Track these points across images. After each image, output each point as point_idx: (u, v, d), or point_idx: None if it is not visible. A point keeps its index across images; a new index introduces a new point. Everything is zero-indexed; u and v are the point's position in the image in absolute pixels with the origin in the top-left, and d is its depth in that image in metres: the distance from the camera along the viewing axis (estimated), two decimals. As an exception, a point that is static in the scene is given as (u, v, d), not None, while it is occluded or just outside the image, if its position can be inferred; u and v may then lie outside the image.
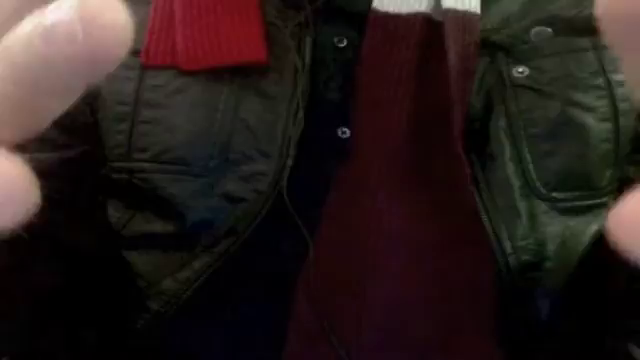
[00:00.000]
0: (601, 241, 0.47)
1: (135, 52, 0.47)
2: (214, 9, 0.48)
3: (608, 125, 0.47)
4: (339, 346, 0.47)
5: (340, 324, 0.47)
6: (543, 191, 0.47)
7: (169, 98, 0.47)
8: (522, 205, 0.46)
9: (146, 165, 0.47)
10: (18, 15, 0.15)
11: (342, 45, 0.49)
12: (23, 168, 0.16)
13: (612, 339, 0.50)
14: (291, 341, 0.47)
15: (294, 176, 0.46)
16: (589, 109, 0.47)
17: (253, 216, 0.46)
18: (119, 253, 0.49)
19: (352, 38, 0.49)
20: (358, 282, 0.48)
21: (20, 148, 0.17)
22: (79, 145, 0.48)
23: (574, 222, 0.47)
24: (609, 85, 0.47)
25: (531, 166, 0.46)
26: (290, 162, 0.46)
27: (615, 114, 0.47)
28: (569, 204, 0.47)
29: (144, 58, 0.47)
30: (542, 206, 0.47)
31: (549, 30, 0.48)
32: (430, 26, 0.49)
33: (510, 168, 0.47)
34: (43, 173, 0.50)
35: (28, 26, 0.15)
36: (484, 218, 0.46)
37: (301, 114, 0.46)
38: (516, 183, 0.46)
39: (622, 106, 0.47)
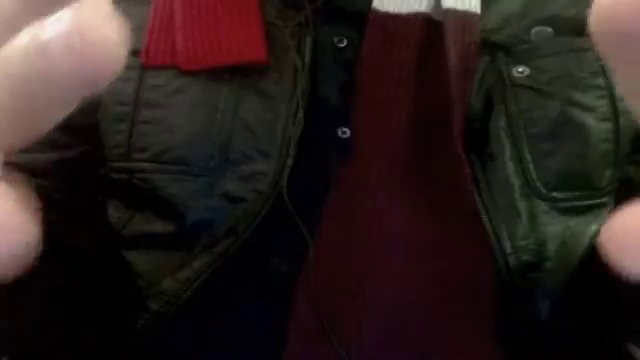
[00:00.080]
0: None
1: (135, 52, 0.47)
2: (214, 9, 0.48)
3: (608, 125, 0.47)
4: (339, 346, 0.47)
5: (340, 324, 0.47)
6: (543, 191, 0.47)
7: (169, 98, 0.47)
8: (522, 205, 0.46)
9: (146, 165, 0.47)
10: (18, 17, 0.15)
11: (342, 45, 0.49)
12: (17, 206, 0.16)
13: (612, 339, 0.50)
14: (291, 341, 0.47)
15: (294, 176, 0.46)
16: (589, 109, 0.47)
17: (253, 216, 0.46)
18: (119, 253, 0.49)
19: (352, 38, 0.49)
20: (358, 282, 0.48)
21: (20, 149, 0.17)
22: (79, 145, 0.48)
23: (574, 222, 0.47)
24: (609, 85, 0.47)
25: (531, 166, 0.46)
26: (290, 162, 0.46)
27: (615, 114, 0.47)
28: (569, 204, 0.47)
29: (144, 58, 0.47)
30: (542, 206, 0.47)
31: (549, 30, 0.48)
32: (430, 26, 0.49)
33: (510, 168, 0.47)
34: (43, 173, 0.50)
35: (25, 38, 0.15)
36: (484, 218, 0.46)
37: (301, 114, 0.46)
38: (516, 183, 0.46)
39: (622, 106, 0.47)
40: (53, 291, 0.47)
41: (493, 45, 0.48)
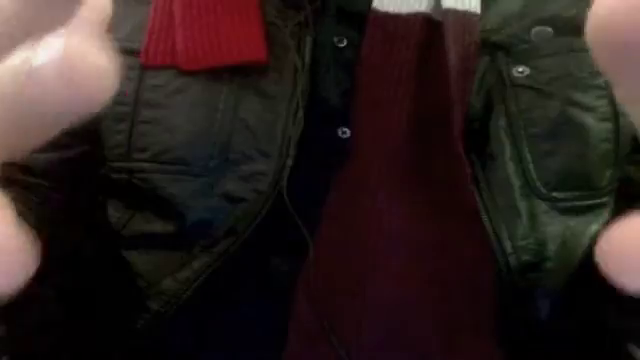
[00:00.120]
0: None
1: (135, 52, 0.47)
2: (214, 9, 0.48)
3: (608, 125, 0.47)
4: (339, 346, 0.47)
5: (340, 324, 0.47)
6: (543, 191, 0.47)
7: (169, 98, 0.47)
8: (522, 205, 0.46)
9: (146, 165, 0.47)
10: (18, 18, 0.15)
11: (342, 45, 0.49)
12: (15, 229, 0.16)
13: (612, 339, 0.50)
14: (291, 341, 0.47)
15: (294, 176, 0.46)
16: (589, 109, 0.47)
17: (253, 216, 0.46)
18: (119, 253, 0.49)
19: (352, 38, 0.49)
20: (358, 282, 0.48)
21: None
22: (79, 145, 0.48)
23: (574, 222, 0.47)
24: (609, 85, 0.47)
25: (531, 166, 0.46)
26: (290, 162, 0.46)
27: (615, 114, 0.47)
28: (569, 204, 0.47)
29: (144, 58, 0.47)
30: (542, 206, 0.46)
31: (549, 30, 0.48)
32: (430, 26, 0.49)
33: (510, 168, 0.46)
34: (43, 173, 0.50)
35: (17, 60, 0.15)
36: (484, 218, 0.46)
37: (301, 114, 0.46)
38: (516, 183, 0.46)
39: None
40: (53, 291, 0.47)
41: (493, 45, 0.48)
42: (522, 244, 0.46)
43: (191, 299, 0.46)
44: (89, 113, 0.15)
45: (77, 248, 0.48)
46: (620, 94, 0.15)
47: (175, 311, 0.47)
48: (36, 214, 0.45)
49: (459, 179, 0.46)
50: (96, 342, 0.49)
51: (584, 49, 0.49)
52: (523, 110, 0.47)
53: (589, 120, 0.47)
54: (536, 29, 0.48)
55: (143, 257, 0.49)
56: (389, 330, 0.48)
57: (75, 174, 0.48)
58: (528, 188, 0.46)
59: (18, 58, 0.15)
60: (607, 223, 0.47)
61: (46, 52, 0.15)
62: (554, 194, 0.47)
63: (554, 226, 0.46)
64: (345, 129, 0.48)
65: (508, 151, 0.47)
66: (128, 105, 0.47)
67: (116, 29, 0.48)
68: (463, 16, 0.48)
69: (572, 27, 0.48)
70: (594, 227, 0.47)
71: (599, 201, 0.48)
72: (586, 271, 0.47)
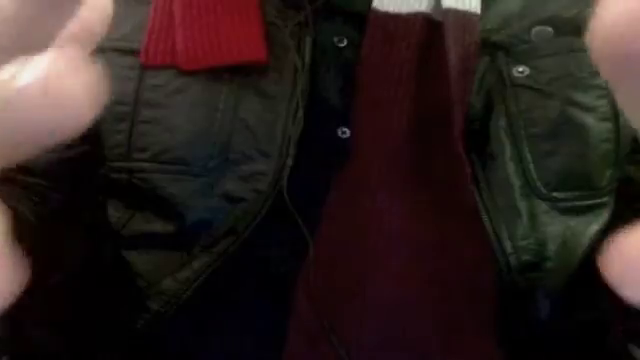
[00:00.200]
0: (602, 241, 0.47)
1: (135, 52, 0.47)
2: (214, 9, 0.48)
3: (608, 125, 0.47)
4: (339, 346, 0.47)
5: (340, 324, 0.47)
6: (543, 191, 0.47)
7: (169, 98, 0.47)
8: (522, 205, 0.46)
9: (146, 165, 0.47)
10: (18, 18, 0.15)
11: (342, 45, 0.49)
12: (6, 245, 0.16)
13: (612, 339, 0.50)
14: (291, 341, 0.47)
15: (294, 176, 0.46)
16: (589, 109, 0.47)
17: (253, 216, 0.46)
18: (119, 253, 0.49)
19: (352, 38, 0.48)
20: (358, 282, 0.48)
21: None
22: (79, 145, 0.48)
23: (574, 222, 0.47)
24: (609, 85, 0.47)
25: (531, 166, 0.46)
26: (290, 162, 0.46)
27: (615, 114, 0.47)
28: (569, 204, 0.47)
29: (144, 58, 0.47)
30: (542, 206, 0.47)
31: (549, 30, 0.48)
32: (430, 26, 0.49)
33: (510, 168, 0.47)
34: (43, 173, 0.50)
35: (5, 75, 0.15)
36: (484, 218, 0.46)
37: (301, 114, 0.46)
38: (516, 183, 0.46)
39: None
40: (53, 291, 0.47)
41: (493, 45, 0.48)
42: (522, 244, 0.46)
43: (191, 299, 0.46)
44: (71, 135, 0.15)
45: (77, 248, 0.48)
46: (621, 100, 0.15)
47: (175, 311, 0.47)
48: (36, 214, 0.45)
49: (459, 179, 0.46)
50: (96, 342, 0.49)
51: (584, 49, 0.49)
52: (523, 110, 0.47)
53: (589, 120, 0.47)
54: (536, 29, 0.48)
55: (143, 257, 0.49)
56: (389, 330, 0.48)
57: (75, 174, 0.48)
58: (528, 188, 0.46)
59: (7, 73, 0.15)
60: (607, 223, 0.48)
61: (32, 71, 0.15)
62: (554, 194, 0.47)
63: (554, 226, 0.46)
64: (345, 129, 0.48)
65: (508, 151, 0.47)
66: (128, 105, 0.47)
67: (116, 29, 0.48)
68: (463, 16, 0.48)
69: (572, 27, 0.48)
70: (594, 227, 0.47)
71: (599, 201, 0.48)
72: (586, 271, 0.47)
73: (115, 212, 0.49)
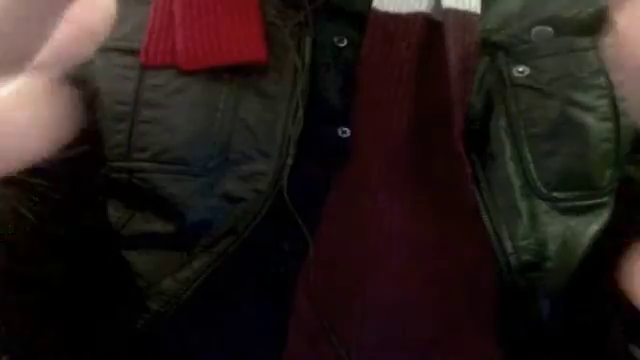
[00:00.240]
0: (602, 241, 0.47)
1: (135, 52, 0.47)
2: (214, 9, 0.48)
3: (608, 125, 0.47)
4: (339, 345, 0.47)
5: (340, 324, 0.47)
6: (544, 191, 0.47)
7: (169, 98, 0.47)
8: (523, 205, 0.46)
9: (146, 165, 0.47)
10: (12, 14, 0.15)
11: (342, 45, 0.49)
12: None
13: (612, 339, 0.50)
14: (291, 340, 0.47)
15: (294, 176, 0.46)
16: (589, 109, 0.47)
17: (253, 216, 0.46)
18: (119, 253, 0.49)
19: (352, 38, 0.48)
20: (358, 282, 0.48)
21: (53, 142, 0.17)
22: (79, 145, 0.48)
23: (575, 222, 0.47)
24: (609, 85, 0.47)
25: (532, 166, 0.46)
26: (290, 161, 0.46)
27: (615, 114, 0.47)
28: (570, 204, 0.47)
29: (143, 58, 0.47)
30: (543, 206, 0.47)
31: (549, 30, 0.48)
32: (430, 26, 0.49)
33: (511, 168, 0.47)
34: (43, 173, 0.50)
35: None
36: (485, 218, 0.46)
37: (301, 113, 0.46)
38: (517, 183, 0.46)
39: (622, 106, 0.47)
40: (53, 290, 0.47)
41: (493, 45, 0.48)
42: (523, 244, 0.46)
43: (191, 299, 0.46)
44: (21, 164, 0.16)
45: (77, 248, 0.48)
46: (634, 109, 0.16)
47: (175, 311, 0.47)
48: (36, 214, 0.45)
49: (459, 179, 0.46)
50: (96, 342, 0.49)
51: (584, 49, 0.50)
52: (523, 110, 0.47)
53: (589, 120, 0.47)
54: (536, 29, 0.48)
55: (143, 257, 0.49)
56: (389, 330, 0.48)
57: (75, 174, 0.48)
58: (528, 188, 0.46)
59: None
60: (607, 223, 0.48)
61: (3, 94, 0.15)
62: (554, 194, 0.47)
63: (554, 226, 0.46)
64: (345, 129, 0.48)
65: (508, 151, 0.47)
66: (128, 105, 0.47)
67: (116, 29, 0.48)
68: (463, 16, 0.48)
69: (572, 27, 0.48)
70: (594, 227, 0.47)
71: (599, 201, 0.48)
72: (587, 271, 0.47)
73: (115, 212, 0.49)
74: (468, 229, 0.47)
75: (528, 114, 0.47)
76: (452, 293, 0.48)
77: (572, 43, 0.48)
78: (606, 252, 0.47)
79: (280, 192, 0.46)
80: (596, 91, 0.47)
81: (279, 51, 0.48)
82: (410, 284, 0.48)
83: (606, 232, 0.48)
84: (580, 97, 0.47)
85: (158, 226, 0.48)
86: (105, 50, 0.47)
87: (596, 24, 0.47)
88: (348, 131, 0.48)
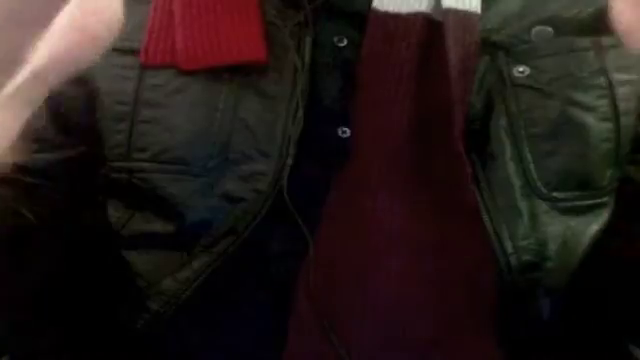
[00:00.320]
0: (602, 241, 0.48)
1: (135, 51, 0.47)
2: (214, 8, 0.48)
3: (608, 125, 0.47)
4: (339, 345, 0.47)
5: (340, 323, 0.47)
6: (544, 191, 0.47)
7: (168, 98, 0.47)
8: (523, 205, 0.46)
9: (146, 165, 0.47)
10: (14, 15, 0.15)
11: (342, 45, 0.48)
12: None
13: (612, 339, 0.50)
14: (291, 340, 0.47)
15: (294, 175, 0.46)
16: (589, 109, 0.47)
17: (252, 216, 0.46)
18: (119, 253, 0.49)
19: (352, 37, 0.48)
20: (358, 282, 0.48)
21: (19, 150, 0.17)
22: (78, 145, 0.48)
23: (575, 222, 0.47)
24: (610, 85, 0.47)
25: (532, 166, 0.46)
26: (290, 161, 0.46)
27: (616, 114, 0.47)
28: (570, 204, 0.47)
29: (143, 57, 0.47)
30: (543, 206, 0.47)
31: (549, 30, 0.48)
32: (430, 26, 0.49)
33: (511, 168, 0.47)
34: (43, 173, 0.50)
35: None
36: (485, 218, 0.46)
37: (301, 113, 0.46)
38: (517, 183, 0.46)
39: (622, 106, 0.47)
40: (53, 290, 0.47)
41: (493, 45, 0.48)
42: (523, 244, 0.46)
43: (191, 299, 0.46)
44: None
45: (76, 248, 0.48)
46: None
47: (175, 311, 0.47)
48: (36, 214, 0.45)
49: (460, 179, 0.46)
50: (96, 342, 0.49)
51: (584, 49, 0.50)
52: (523, 110, 0.47)
53: (589, 120, 0.47)
54: (536, 29, 0.48)
55: (143, 257, 0.49)
56: (389, 330, 0.48)
57: (75, 174, 0.48)
58: (529, 188, 0.46)
59: None
60: (607, 223, 0.48)
61: None
62: (554, 194, 0.47)
63: (555, 226, 0.47)
64: (345, 129, 0.48)
65: (509, 151, 0.47)
66: (128, 105, 0.47)
67: None
68: (463, 16, 0.48)
69: (572, 27, 0.48)
70: (594, 227, 0.47)
71: (599, 201, 0.48)
72: (587, 271, 0.47)
73: (115, 212, 0.49)
74: (468, 229, 0.47)
75: (528, 114, 0.47)
76: (452, 293, 0.48)
77: (572, 43, 0.48)
78: (606, 252, 0.47)
79: (280, 192, 0.46)
80: (596, 91, 0.47)
81: (279, 51, 0.47)
82: (410, 284, 0.48)
83: (606, 232, 0.48)
84: (580, 97, 0.47)
85: (158, 226, 0.48)
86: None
87: (596, 24, 0.47)
88: (348, 131, 0.48)
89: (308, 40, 0.48)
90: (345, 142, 0.48)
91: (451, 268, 0.48)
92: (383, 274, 0.47)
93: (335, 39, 0.49)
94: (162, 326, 0.47)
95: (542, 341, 0.48)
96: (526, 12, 0.48)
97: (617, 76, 0.47)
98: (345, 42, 0.48)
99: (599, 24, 0.47)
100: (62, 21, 0.17)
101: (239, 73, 0.47)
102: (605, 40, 0.47)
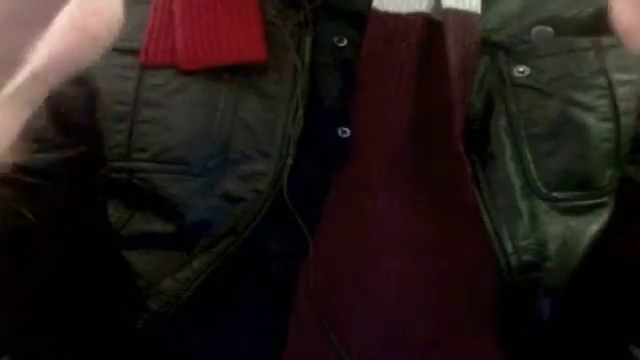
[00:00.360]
0: (602, 241, 0.48)
1: (135, 51, 0.47)
2: (214, 8, 0.48)
3: (608, 125, 0.47)
4: (339, 345, 0.47)
5: (340, 323, 0.47)
6: (544, 191, 0.47)
7: (168, 98, 0.47)
8: (523, 205, 0.46)
9: (146, 165, 0.47)
10: (14, 15, 0.15)
11: (342, 45, 0.49)
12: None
13: (612, 339, 0.50)
14: (291, 340, 0.47)
15: (294, 175, 0.46)
16: (589, 109, 0.47)
17: (252, 216, 0.46)
18: (119, 253, 0.49)
19: (352, 37, 0.48)
20: (358, 282, 0.48)
21: (19, 150, 0.17)
22: (78, 145, 0.48)
23: (575, 222, 0.47)
24: (609, 85, 0.47)
25: (532, 166, 0.46)
26: (290, 161, 0.46)
27: (616, 114, 0.47)
28: (570, 204, 0.47)
29: (143, 57, 0.47)
30: (543, 206, 0.47)
31: (549, 30, 0.48)
32: (430, 26, 0.49)
33: (511, 168, 0.47)
34: (43, 173, 0.50)
35: None
36: (485, 218, 0.46)
37: (300, 113, 0.46)
38: (517, 183, 0.46)
39: (622, 106, 0.47)
40: (53, 290, 0.47)
41: (493, 45, 0.48)
42: (523, 244, 0.46)
43: (191, 299, 0.46)
44: None
45: (76, 248, 0.48)
46: None
47: (175, 311, 0.47)
48: (36, 214, 0.45)
49: (460, 179, 0.46)
50: (96, 342, 0.49)
51: (584, 49, 0.50)
52: (523, 110, 0.47)
53: (589, 120, 0.47)
54: (536, 29, 0.48)
55: (143, 257, 0.49)
56: (389, 330, 0.48)
57: (75, 174, 0.48)
58: (529, 188, 0.46)
59: None
60: (607, 223, 0.48)
61: None
62: (555, 194, 0.47)
63: (555, 226, 0.47)
64: (345, 129, 0.48)
65: (509, 151, 0.47)
66: (128, 105, 0.47)
67: None
68: (463, 16, 0.48)
69: (572, 27, 0.48)
70: (594, 227, 0.47)
71: (599, 201, 0.48)
72: (587, 271, 0.47)
73: (115, 212, 0.49)
74: (468, 229, 0.47)
75: (528, 114, 0.47)
76: (452, 293, 0.48)
77: (572, 43, 0.48)
78: (606, 252, 0.47)
79: (280, 192, 0.46)
80: (596, 91, 0.47)
81: (279, 51, 0.47)
82: (410, 284, 0.48)
83: (606, 232, 0.48)
84: (580, 97, 0.47)
85: (158, 226, 0.48)
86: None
87: (596, 24, 0.47)
88: (348, 131, 0.48)
89: (308, 40, 0.48)
90: (345, 142, 0.48)
91: (451, 268, 0.48)
92: (383, 274, 0.47)
93: (335, 39, 0.49)
94: (162, 326, 0.47)
95: (542, 341, 0.48)
96: (526, 12, 0.49)
97: (617, 76, 0.47)
98: (345, 42, 0.48)
99: (599, 24, 0.47)
100: (62, 21, 0.17)
101: (239, 73, 0.47)
102: (605, 40, 0.47)
